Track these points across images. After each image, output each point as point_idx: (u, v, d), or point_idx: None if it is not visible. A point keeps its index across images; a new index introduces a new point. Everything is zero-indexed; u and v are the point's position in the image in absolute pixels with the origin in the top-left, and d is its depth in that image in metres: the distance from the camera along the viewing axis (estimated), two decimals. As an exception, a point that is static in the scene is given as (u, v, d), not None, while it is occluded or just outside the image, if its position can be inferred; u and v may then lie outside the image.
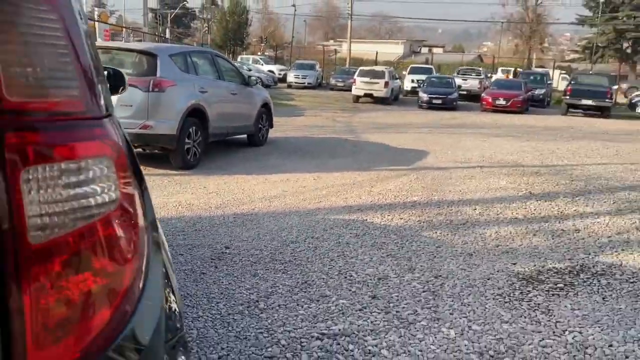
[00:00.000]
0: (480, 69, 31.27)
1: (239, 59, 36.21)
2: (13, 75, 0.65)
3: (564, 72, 45.43)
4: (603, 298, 3.68)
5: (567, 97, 22.15)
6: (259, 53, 47.13)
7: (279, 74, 33.05)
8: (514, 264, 4.31)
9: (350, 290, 3.68)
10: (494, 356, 2.86)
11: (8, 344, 0.63)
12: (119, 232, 0.78)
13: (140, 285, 0.82)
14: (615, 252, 4.73)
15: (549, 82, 28.73)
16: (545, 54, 61.34)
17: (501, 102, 21.27)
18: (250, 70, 26.30)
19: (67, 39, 0.72)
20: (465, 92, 25.64)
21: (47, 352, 0.69)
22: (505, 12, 54.13)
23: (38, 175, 0.69)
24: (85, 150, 0.73)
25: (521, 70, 35.67)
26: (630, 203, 6.66)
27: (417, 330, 3.13)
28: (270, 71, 32.76)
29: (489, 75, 31.62)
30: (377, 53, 38.31)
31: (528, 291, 3.76)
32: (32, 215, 0.67)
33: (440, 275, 3.99)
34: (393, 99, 24.19)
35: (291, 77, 31.17)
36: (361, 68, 25.31)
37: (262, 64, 34.97)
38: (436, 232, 5.11)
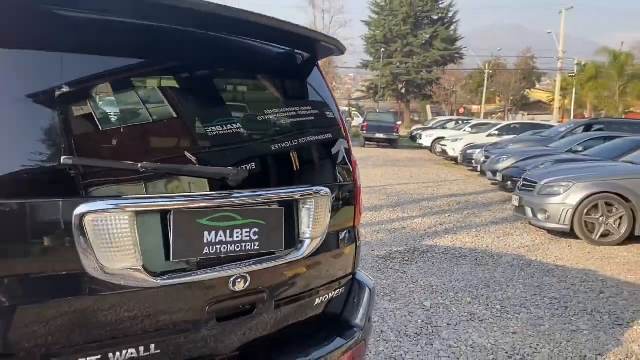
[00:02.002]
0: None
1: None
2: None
3: (354, 109, 51.71)
4: (432, 263, 5.81)
5: (364, 132, 26.09)
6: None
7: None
8: (373, 250, 6.27)
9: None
10: (385, 295, 4.69)
11: (354, 216, 2.20)
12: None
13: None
14: (430, 238, 7.03)
15: (347, 118, 33.05)
16: (335, 92, 68.67)
17: (312, 136, 24.18)
18: None
19: None
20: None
21: (359, 215, 2.25)
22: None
23: (358, 169, 2.21)
24: (356, 162, 2.27)
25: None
26: (431, 209, 9.29)
27: (334, 289, 4.82)
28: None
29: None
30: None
31: (388, 264, 5.71)
32: (357, 178, 2.21)
33: (331, 260, 5.75)
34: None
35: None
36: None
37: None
38: (313, 236, 6.88)
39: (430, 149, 23.04)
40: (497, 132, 19.05)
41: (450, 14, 63.71)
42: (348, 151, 2.17)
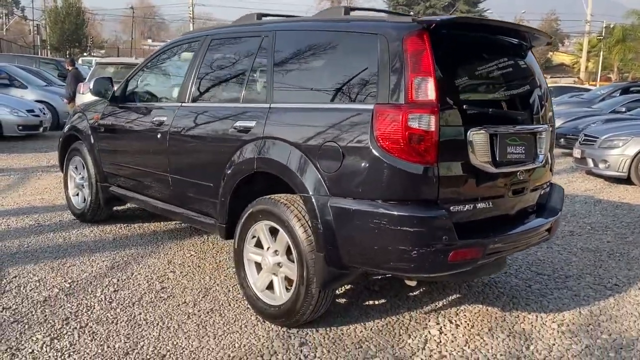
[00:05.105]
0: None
1: (79, 61, 35.39)
2: None
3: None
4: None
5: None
6: (85, 54, 45.79)
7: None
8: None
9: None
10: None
11: (552, 145, 3.58)
12: None
13: None
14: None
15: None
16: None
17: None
18: None
19: None
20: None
21: (553, 145, 3.65)
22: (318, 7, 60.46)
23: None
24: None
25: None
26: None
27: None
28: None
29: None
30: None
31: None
32: (554, 122, 3.59)
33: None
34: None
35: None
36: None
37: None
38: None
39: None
40: (534, 95, 20.17)
41: (474, -24, 63.24)
42: (551, 104, 3.54)
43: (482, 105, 2.95)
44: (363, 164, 2.75)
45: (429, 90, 2.65)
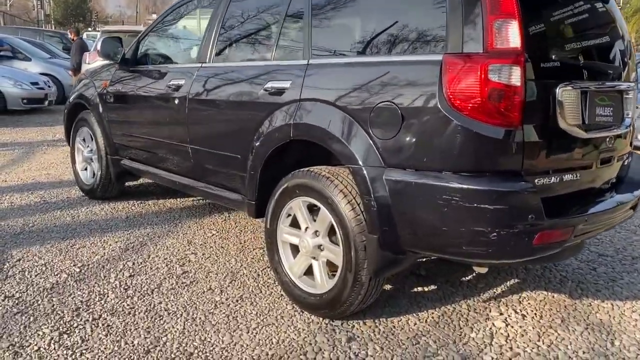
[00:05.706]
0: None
1: (84, 36, 34.72)
2: None
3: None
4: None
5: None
6: (89, 29, 45.03)
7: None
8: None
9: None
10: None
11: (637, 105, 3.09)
12: None
13: None
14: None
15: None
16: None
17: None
18: None
19: None
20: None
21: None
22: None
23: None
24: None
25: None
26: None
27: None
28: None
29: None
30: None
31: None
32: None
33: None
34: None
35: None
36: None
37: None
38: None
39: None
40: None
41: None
42: (634, 60, 3.03)
43: (568, 57, 2.47)
44: (428, 128, 2.28)
45: (512, 36, 2.15)
